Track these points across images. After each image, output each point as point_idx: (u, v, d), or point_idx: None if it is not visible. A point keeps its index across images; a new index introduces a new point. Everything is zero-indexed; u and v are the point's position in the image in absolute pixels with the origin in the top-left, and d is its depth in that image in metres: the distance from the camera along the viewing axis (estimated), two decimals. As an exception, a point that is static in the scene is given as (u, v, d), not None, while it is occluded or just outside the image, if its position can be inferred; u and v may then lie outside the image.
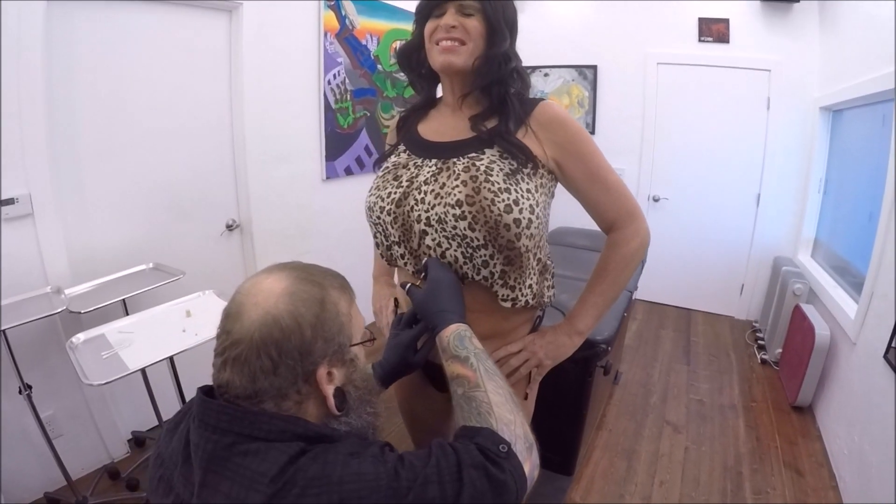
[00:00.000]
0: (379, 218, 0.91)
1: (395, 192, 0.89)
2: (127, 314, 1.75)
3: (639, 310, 3.64)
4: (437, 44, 0.87)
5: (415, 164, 0.91)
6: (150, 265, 1.93)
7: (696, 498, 1.91)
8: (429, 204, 0.85)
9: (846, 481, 1.90)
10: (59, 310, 1.50)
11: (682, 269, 3.62)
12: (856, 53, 2.50)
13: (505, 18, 0.87)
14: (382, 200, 0.90)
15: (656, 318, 3.56)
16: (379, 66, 2.83)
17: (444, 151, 0.90)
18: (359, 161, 2.84)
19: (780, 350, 2.80)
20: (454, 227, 0.83)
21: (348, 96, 2.67)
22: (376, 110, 2.89)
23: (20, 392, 1.60)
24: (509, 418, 0.65)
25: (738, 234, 3.47)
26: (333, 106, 2.58)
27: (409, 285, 0.87)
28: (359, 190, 2.83)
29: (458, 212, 0.82)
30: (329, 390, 0.61)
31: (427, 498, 0.54)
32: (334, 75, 2.55)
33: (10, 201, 1.57)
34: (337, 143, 2.66)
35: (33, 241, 1.65)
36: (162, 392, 1.99)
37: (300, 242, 2.59)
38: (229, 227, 2.31)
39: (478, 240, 0.83)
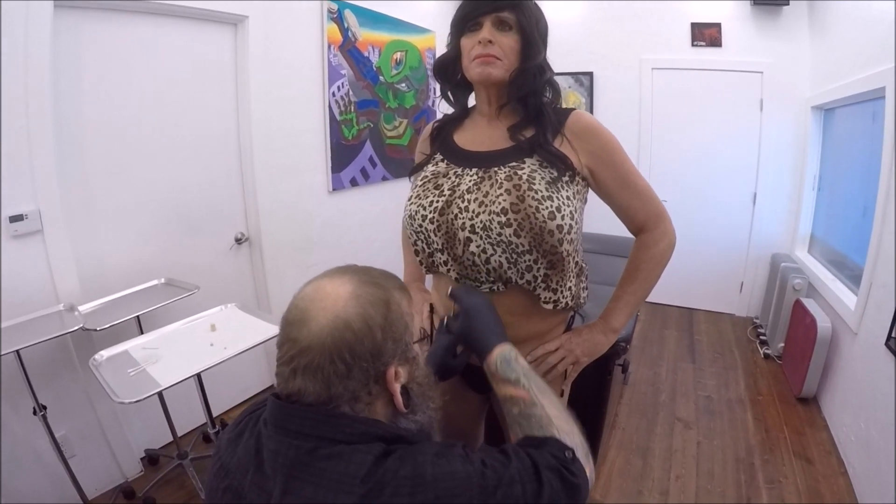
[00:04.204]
0: (421, 226, 0.93)
1: (438, 201, 0.91)
2: (141, 331, 1.73)
3: (642, 310, 3.67)
4: (474, 58, 0.89)
5: (455, 172, 0.93)
6: (162, 280, 1.92)
7: (712, 490, 1.94)
8: (473, 212, 0.87)
9: (855, 467, 1.95)
10: (75, 328, 1.47)
11: (682, 269, 3.60)
12: (845, 53, 2.56)
13: (539, 31, 0.90)
14: (424, 209, 0.92)
15: (659, 319, 3.61)
16: (381, 78, 2.85)
17: (483, 161, 0.92)
18: (363, 172, 2.84)
19: (783, 344, 2.85)
20: (499, 234, 0.85)
21: (352, 108, 2.68)
22: (379, 121, 2.90)
23: (34, 413, 1.57)
24: (567, 428, 0.69)
25: (736, 233, 3.53)
26: (338, 118, 2.59)
27: (451, 290, 0.88)
28: (364, 201, 2.88)
29: (503, 219, 0.84)
30: (396, 388, 0.62)
31: (513, 497, 0.56)
32: (338, 87, 2.56)
33: (18, 217, 1.54)
34: (342, 154, 2.66)
35: (43, 258, 1.63)
36: (175, 408, 1.97)
37: (308, 255, 2.58)
38: (238, 241, 2.30)
39: (522, 246, 0.86)
